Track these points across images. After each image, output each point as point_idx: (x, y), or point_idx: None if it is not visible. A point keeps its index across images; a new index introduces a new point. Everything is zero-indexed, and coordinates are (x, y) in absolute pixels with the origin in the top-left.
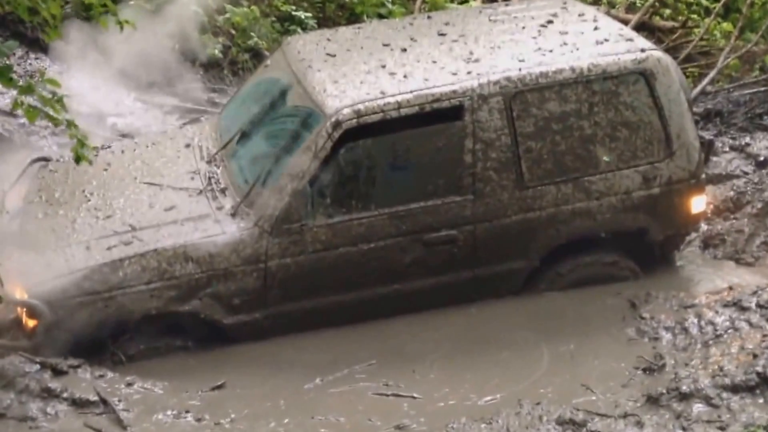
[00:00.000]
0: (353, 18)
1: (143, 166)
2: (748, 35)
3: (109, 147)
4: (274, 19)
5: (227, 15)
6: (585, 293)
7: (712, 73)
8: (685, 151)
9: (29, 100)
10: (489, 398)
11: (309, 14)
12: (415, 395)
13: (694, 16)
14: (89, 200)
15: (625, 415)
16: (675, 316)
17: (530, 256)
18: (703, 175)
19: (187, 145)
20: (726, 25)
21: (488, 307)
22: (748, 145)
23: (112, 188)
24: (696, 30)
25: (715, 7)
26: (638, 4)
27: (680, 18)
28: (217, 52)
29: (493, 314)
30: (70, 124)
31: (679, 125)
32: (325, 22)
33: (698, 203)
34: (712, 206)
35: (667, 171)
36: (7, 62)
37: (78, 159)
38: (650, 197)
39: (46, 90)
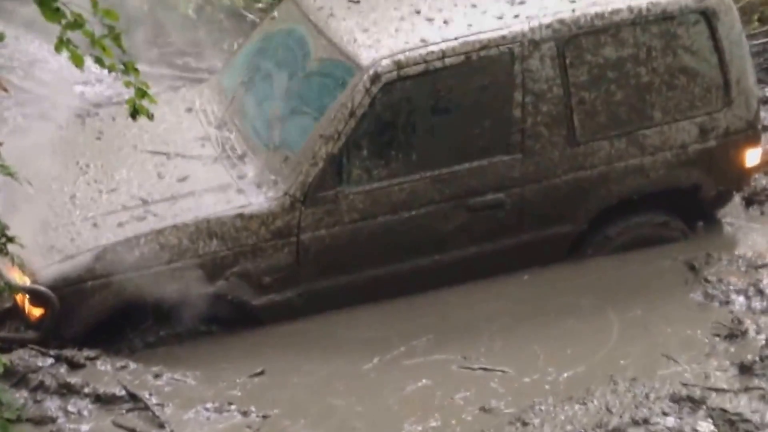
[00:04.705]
0: None
1: (142, 133)
2: None
3: (97, 114)
4: None
5: None
6: (636, 257)
7: None
8: (744, 98)
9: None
10: (569, 372)
11: None
12: (506, 370)
13: None
14: (86, 173)
15: (746, 389)
16: (745, 277)
17: (579, 219)
18: (760, 125)
19: (189, 110)
20: None
21: (540, 274)
22: None
23: (110, 159)
24: None
25: None
26: None
27: None
28: (190, 12)
29: (548, 281)
30: (129, 66)
31: (740, 70)
32: None
33: (753, 156)
34: None
35: (724, 121)
36: None
37: (135, 113)
38: (706, 151)
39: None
